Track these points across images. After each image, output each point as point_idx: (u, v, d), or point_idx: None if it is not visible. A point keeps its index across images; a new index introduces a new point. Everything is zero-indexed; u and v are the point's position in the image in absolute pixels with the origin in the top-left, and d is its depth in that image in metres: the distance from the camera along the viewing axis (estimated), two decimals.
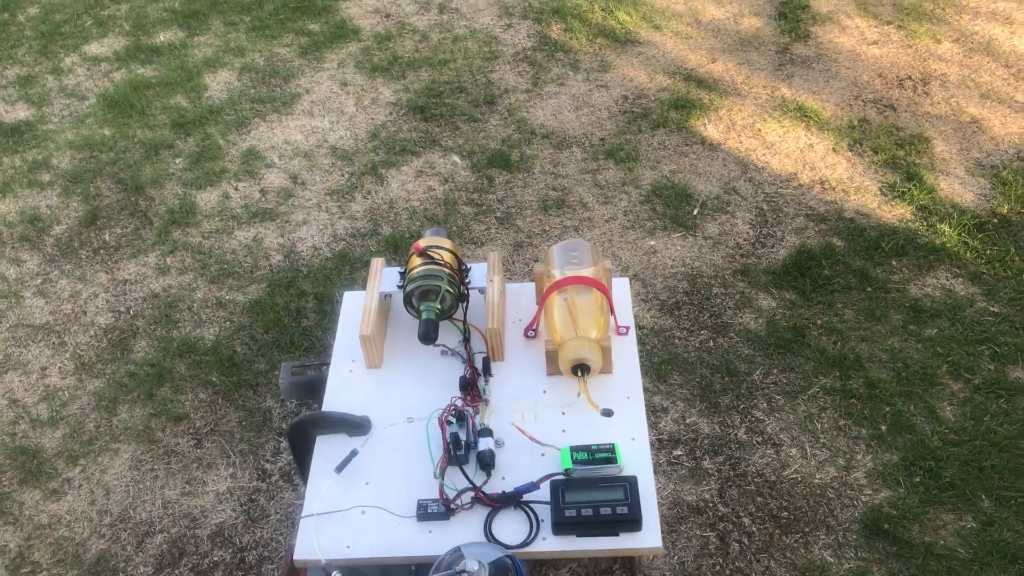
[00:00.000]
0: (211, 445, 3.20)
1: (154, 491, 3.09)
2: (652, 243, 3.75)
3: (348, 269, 3.72)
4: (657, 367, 3.30)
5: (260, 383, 3.36)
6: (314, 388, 2.00)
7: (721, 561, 2.81)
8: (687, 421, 3.16)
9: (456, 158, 4.21)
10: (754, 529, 2.87)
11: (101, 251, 3.93)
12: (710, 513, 2.92)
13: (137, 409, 3.32)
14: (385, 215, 3.95)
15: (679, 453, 3.08)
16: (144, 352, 3.51)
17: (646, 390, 3.24)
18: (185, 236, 3.95)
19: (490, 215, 3.91)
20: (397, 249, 3.77)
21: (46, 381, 3.44)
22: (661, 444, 3.10)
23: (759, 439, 3.10)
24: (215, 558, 2.92)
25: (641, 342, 3.39)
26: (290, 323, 3.55)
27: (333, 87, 4.69)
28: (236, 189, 4.15)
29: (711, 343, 3.38)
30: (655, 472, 3.03)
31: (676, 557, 2.82)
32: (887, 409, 3.12)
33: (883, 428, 3.07)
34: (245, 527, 2.99)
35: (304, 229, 3.93)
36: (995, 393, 3.15)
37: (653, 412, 3.18)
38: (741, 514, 2.91)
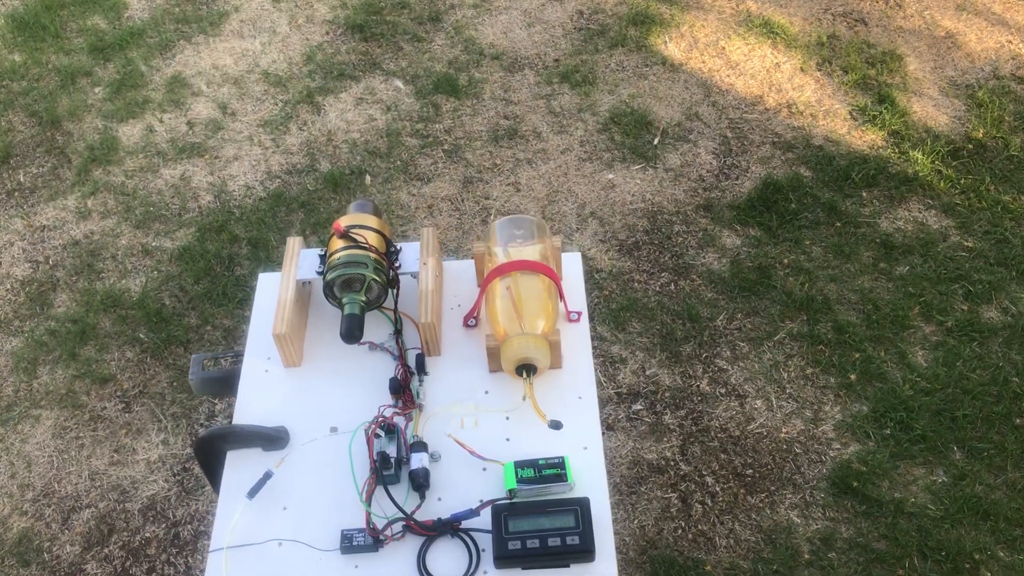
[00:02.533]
0: (140, 409, 2.99)
1: (80, 461, 2.88)
2: (610, 176, 3.51)
3: (284, 210, 3.45)
4: (615, 314, 3.11)
5: (191, 339, 3.13)
6: (229, 383, 1.77)
7: (684, 524, 2.67)
8: (647, 372, 2.98)
9: (399, 83, 3.91)
10: (717, 489, 2.73)
11: (15, 194, 3.62)
12: (672, 472, 2.78)
13: (59, 371, 3.08)
14: (323, 148, 3.66)
15: (639, 408, 2.91)
16: (65, 307, 3.25)
17: (603, 339, 3.06)
18: (107, 175, 3.65)
19: (437, 148, 3.64)
20: (337, 187, 3.49)
21: None
22: (620, 398, 2.93)
23: (723, 390, 2.94)
24: (147, 534, 2.74)
25: (599, 287, 3.19)
26: (222, 272, 3.29)
27: (264, 4, 4.32)
28: (161, 121, 3.82)
29: (672, 286, 3.19)
30: (614, 428, 2.88)
31: (636, 521, 2.68)
32: (856, 356, 2.97)
33: (852, 377, 2.92)
34: (179, 499, 2.80)
35: (235, 165, 3.64)
36: (968, 336, 3.00)
37: (612, 363, 3.00)
38: (704, 473, 2.77)
